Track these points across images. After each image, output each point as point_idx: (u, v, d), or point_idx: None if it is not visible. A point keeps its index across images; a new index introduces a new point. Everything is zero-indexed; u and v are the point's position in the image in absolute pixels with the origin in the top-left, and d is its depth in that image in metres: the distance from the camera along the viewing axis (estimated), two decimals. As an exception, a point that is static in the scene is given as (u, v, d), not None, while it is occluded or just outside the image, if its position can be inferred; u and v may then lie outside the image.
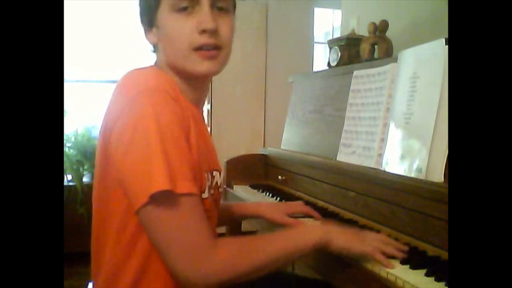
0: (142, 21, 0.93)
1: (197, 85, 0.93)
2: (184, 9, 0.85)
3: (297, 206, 1.26)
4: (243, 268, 0.81)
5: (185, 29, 0.85)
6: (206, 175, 0.91)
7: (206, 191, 0.91)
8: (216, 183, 0.98)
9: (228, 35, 0.89)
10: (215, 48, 0.87)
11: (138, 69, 0.91)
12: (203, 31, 0.85)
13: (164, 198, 0.76)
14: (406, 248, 0.94)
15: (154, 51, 0.96)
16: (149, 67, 0.93)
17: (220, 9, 0.88)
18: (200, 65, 0.87)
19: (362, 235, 0.92)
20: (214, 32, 0.86)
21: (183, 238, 0.78)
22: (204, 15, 0.85)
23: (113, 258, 0.85)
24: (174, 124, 0.79)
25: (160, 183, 0.74)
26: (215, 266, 0.78)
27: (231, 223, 1.63)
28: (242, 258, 0.81)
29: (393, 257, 0.89)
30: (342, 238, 0.88)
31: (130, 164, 0.78)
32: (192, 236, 0.78)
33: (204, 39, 0.85)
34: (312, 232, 0.89)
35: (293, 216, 1.21)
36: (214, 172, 0.97)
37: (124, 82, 0.87)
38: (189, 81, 0.92)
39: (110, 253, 0.85)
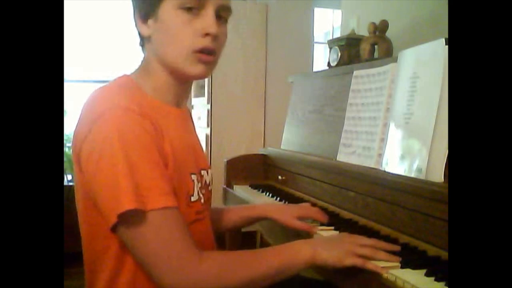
0: (137, 11, 0.90)
1: (183, 85, 0.95)
2: (190, 9, 0.85)
3: (306, 209, 1.22)
4: (227, 282, 0.80)
5: (190, 29, 0.86)
6: (193, 177, 0.91)
7: (196, 193, 0.90)
8: (205, 181, 0.98)
9: (223, 44, 0.92)
10: (211, 54, 0.89)
11: (104, 86, 0.89)
12: (207, 35, 0.86)
13: (134, 217, 0.76)
14: (397, 248, 0.93)
15: (142, 45, 0.94)
16: (114, 82, 0.90)
17: (221, 17, 0.89)
18: (195, 67, 0.88)
19: (351, 245, 0.89)
20: (215, 38, 0.87)
21: (163, 252, 0.78)
22: (209, 19, 0.86)
23: (102, 278, 0.85)
24: (142, 139, 0.79)
25: (127, 203, 0.75)
26: (198, 277, 0.78)
27: (234, 228, 1.62)
28: (228, 272, 0.81)
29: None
30: (331, 256, 0.86)
31: (99, 185, 0.78)
32: (172, 248, 0.78)
33: (205, 43, 0.87)
34: (301, 251, 0.86)
35: (302, 220, 1.18)
36: (203, 172, 0.97)
37: (89, 101, 0.86)
38: (175, 80, 0.92)
39: (99, 273, 0.86)
